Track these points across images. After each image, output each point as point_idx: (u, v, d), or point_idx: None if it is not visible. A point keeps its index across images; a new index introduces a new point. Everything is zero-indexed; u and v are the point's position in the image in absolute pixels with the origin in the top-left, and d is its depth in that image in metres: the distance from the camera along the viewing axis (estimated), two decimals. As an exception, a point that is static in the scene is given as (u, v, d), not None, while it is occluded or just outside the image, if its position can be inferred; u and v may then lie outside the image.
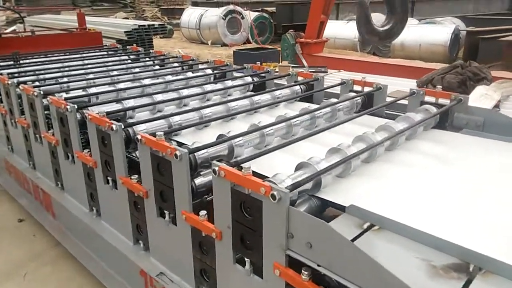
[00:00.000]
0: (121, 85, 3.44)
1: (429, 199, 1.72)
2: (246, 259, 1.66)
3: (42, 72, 4.07)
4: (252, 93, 3.43)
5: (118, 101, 2.95)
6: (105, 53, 5.36)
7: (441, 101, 2.73)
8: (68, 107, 2.56)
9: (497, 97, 4.13)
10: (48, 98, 2.79)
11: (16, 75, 3.87)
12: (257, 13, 15.96)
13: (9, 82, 3.34)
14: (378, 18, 5.97)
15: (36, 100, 2.97)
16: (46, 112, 2.97)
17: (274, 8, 16.95)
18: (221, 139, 2.13)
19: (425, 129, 2.55)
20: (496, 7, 19.43)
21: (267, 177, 1.63)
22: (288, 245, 1.45)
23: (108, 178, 2.44)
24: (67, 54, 5.19)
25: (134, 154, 2.39)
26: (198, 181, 1.93)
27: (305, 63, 8.21)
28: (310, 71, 5.36)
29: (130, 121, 2.77)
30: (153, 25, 11.60)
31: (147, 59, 4.92)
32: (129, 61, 4.88)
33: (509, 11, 19.09)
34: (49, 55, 5.07)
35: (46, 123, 3.00)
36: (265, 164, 1.98)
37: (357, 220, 1.57)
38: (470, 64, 5.20)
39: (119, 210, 2.42)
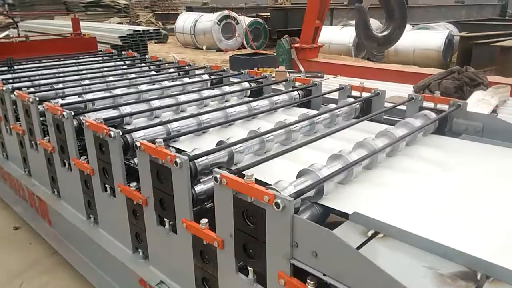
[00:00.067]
0: (117, 91, 3.41)
1: (431, 205, 1.71)
2: (249, 268, 1.64)
3: (37, 78, 4.03)
4: (250, 99, 3.41)
5: (115, 107, 2.91)
6: (100, 58, 5.32)
7: (440, 106, 2.73)
8: (64, 113, 2.53)
9: (495, 102, 4.15)
10: (44, 105, 2.76)
11: (10, 81, 3.84)
12: (251, 19, 15.99)
13: (4, 88, 3.30)
14: (374, 25, 5.99)
15: (32, 107, 2.93)
16: (41, 118, 2.93)
17: (269, 14, 17.03)
18: (221, 146, 2.10)
19: (424, 135, 2.55)
20: (488, 12, 19.70)
21: (269, 184, 1.62)
22: (292, 254, 1.43)
23: (106, 185, 2.40)
24: (62, 59, 5.14)
25: (132, 161, 2.36)
26: (198, 188, 1.91)
27: (301, 68, 8.20)
28: (307, 77, 5.37)
29: (128, 127, 2.74)
30: (148, 30, 11.59)
31: (143, 64, 4.90)
32: (125, 66, 4.86)
33: (500, 16, 19.35)
34: (44, 61, 5.03)
35: (42, 129, 2.96)
36: (265, 171, 1.96)
37: (361, 227, 1.56)
38: (466, 69, 5.22)
39: (117, 218, 2.38)
